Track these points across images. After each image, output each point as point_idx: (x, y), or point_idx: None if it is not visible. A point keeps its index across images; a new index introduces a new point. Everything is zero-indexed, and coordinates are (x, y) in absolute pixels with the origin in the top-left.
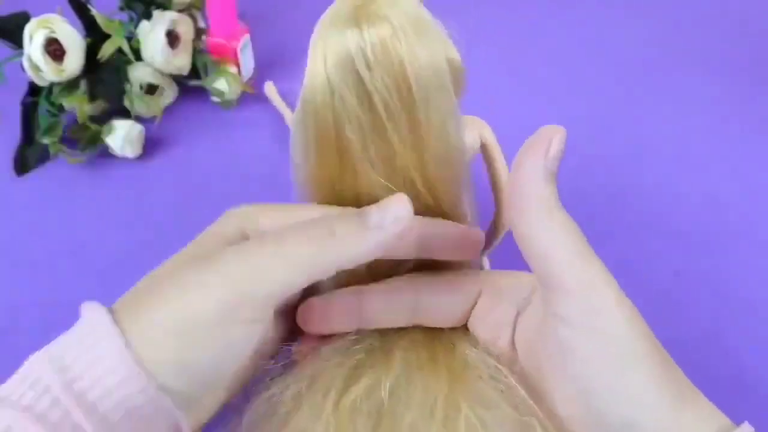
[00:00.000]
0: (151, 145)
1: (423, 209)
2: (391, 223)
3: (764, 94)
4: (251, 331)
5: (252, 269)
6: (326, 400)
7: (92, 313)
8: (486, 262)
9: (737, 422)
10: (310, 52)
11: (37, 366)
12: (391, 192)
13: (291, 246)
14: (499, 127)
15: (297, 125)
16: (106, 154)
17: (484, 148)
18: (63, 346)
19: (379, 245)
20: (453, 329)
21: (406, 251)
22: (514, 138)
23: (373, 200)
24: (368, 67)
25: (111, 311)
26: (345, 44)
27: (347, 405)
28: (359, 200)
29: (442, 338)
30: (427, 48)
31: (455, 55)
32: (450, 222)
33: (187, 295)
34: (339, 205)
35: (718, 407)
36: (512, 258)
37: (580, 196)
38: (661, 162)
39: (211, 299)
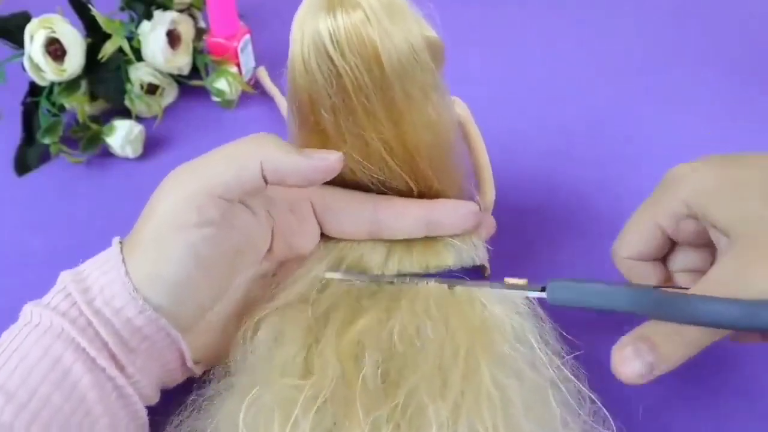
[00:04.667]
0: (151, 145)
1: (400, 179)
2: (318, 157)
3: (764, 94)
4: (204, 234)
5: (199, 171)
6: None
7: (113, 244)
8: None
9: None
10: (291, 36)
11: (68, 283)
12: (363, 165)
13: (234, 148)
14: (494, 126)
15: (288, 105)
16: (106, 154)
17: (459, 125)
18: (87, 268)
19: (303, 166)
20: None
21: (417, 231)
22: (509, 137)
23: (348, 171)
24: (339, 49)
25: (121, 243)
26: (318, 28)
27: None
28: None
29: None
30: (402, 29)
31: (432, 33)
32: (447, 200)
33: (155, 212)
34: None
35: (718, 407)
36: (515, 262)
37: (579, 197)
38: (660, 162)
39: (164, 205)
